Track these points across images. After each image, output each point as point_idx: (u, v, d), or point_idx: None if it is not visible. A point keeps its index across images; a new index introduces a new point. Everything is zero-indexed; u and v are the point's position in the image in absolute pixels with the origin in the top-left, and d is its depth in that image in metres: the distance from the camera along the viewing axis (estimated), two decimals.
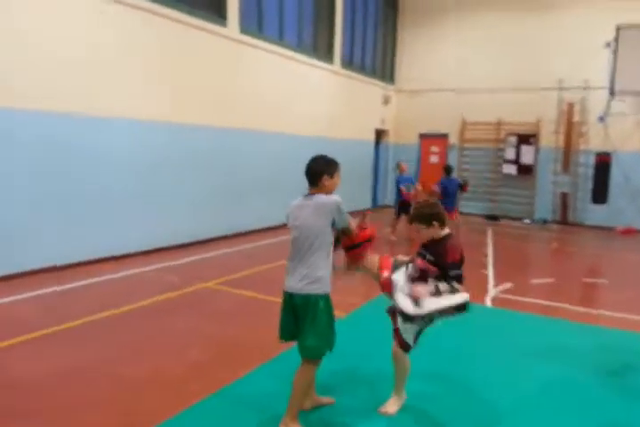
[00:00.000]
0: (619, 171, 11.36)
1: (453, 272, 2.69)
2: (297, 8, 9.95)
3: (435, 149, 13.90)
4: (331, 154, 10.17)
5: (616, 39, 10.27)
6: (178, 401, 2.98)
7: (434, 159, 13.97)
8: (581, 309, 5.34)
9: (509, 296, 5.76)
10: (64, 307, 4.71)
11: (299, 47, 9.99)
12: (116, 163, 6.47)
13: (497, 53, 12.55)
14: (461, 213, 9.28)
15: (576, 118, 11.98)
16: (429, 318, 2.65)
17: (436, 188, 8.93)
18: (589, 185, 11.54)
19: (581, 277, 7.10)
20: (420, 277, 2.71)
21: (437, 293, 2.62)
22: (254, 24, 8.80)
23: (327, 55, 11.07)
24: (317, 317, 2.56)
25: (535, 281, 6.57)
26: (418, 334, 2.87)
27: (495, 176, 12.99)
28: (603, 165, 11.11)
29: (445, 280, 2.68)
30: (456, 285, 2.66)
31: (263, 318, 4.17)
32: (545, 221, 12.27)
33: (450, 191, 8.77)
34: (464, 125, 13.17)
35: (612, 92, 10.50)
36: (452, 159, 13.18)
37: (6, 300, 4.79)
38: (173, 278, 5.78)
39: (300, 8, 10.03)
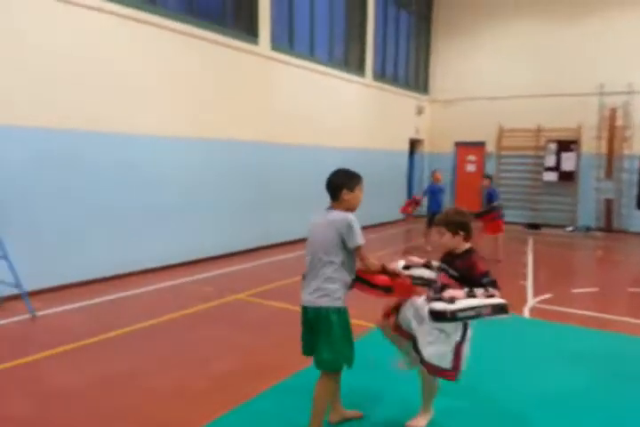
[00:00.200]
0: None
1: (486, 280, 2.61)
2: (328, 24, 10.12)
3: (471, 157, 13.73)
4: (365, 165, 10.29)
5: None
6: (201, 415, 3.03)
7: (471, 168, 13.78)
8: (625, 319, 5.14)
9: (548, 306, 5.61)
10: (107, 317, 4.90)
11: (330, 62, 10.14)
12: (157, 180, 6.73)
13: (533, 60, 12.36)
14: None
15: (619, 123, 11.62)
16: (464, 317, 2.48)
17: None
18: (634, 191, 11.13)
19: (627, 286, 6.83)
20: (442, 290, 2.66)
21: (472, 295, 2.54)
22: (285, 41, 8.99)
23: (359, 69, 11.17)
24: (330, 329, 2.55)
25: (577, 291, 6.37)
26: (457, 356, 2.62)
27: (535, 184, 12.69)
28: None
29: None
30: (491, 290, 2.57)
31: (292, 330, 4.18)
32: (588, 229, 11.88)
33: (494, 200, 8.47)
34: (501, 133, 12.97)
35: None
36: (490, 167, 12.98)
37: (53, 311, 5.01)
38: (208, 290, 5.91)
39: (331, 24, 10.19)
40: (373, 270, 2.66)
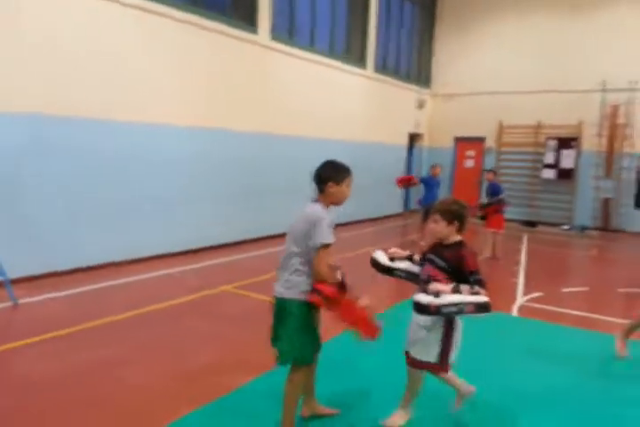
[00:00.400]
0: None
1: (474, 277, 2.59)
2: (330, 14, 10.00)
3: (470, 153, 13.65)
4: (363, 158, 10.31)
5: None
6: (174, 407, 3.01)
7: (469, 163, 13.71)
8: (611, 319, 5.11)
9: (537, 305, 5.58)
10: (91, 306, 4.87)
11: (330, 53, 10.03)
12: (151, 170, 6.68)
13: (536, 56, 12.22)
14: None
15: (620, 120, 11.50)
16: (447, 313, 2.50)
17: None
18: (633, 190, 11.04)
19: (618, 286, 6.78)
20: (427, 282, 2.65)
21: (457, 291, 2.53)
22: (285, 31, 8.89)
23: (360, 60, 11.06)
24: (289, 321, 2.53)
25: (567, 290, 6.33)
26: (445, 351, 2.69)
27: (533, 181, 12.62)
28: None
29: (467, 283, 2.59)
30: (477, 288, 2.56)
31: None
32: (584, 228, 11.81)
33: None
34: (501, 129, 12.87)
35: None
36: (489, 163, 12.88)
37: (36, 299, 4.99)
38: (196, 281, 5.88)
39: (332, 14, 10.07)
40: (319, 279, 2.48)
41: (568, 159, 12.05)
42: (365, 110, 11.25)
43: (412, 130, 13.38)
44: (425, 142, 14.08)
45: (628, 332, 4.13)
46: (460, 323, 2.74)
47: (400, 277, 2.97)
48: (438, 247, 2.78)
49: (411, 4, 12.86)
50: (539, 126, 12.36)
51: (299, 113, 9.17)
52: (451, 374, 2.84)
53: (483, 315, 2.54)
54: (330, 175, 2.62)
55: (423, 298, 2.52)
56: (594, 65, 11.52)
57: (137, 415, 2.94)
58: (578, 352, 4.19)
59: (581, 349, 4.29)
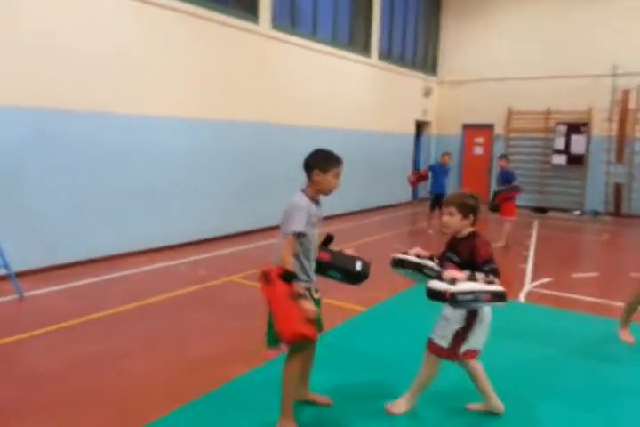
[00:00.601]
0: None
1: (488, 267, 2.54)
2: (332, 2, 9.87)
3: (479, 140, 13.48)
4: (369, 147, 10.24)
5: None
6: (175, 399, 3.00)
7: (478, 151, 13.56)
8: (620, 304, 5.02)
9: (545, 291, 5.51)
10: (94, 298, 4.90)
11: (334, 41, 9.92)
12: (152, 162, 6.67)
13: (545, 40, 12.00)
14: None
15: (631, 105, 11.28)
16: (462, 301, 2.44)
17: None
18: None
19: (629, 271, 6.67)
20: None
21: (473, 279, 2.49)
22: (287, 20, 8.80)
23: (364, 48, 10.93)
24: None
25: (577, 275, 6.25)
26: (458, 337, 2.66)
27: (543, 167, 12.45)
28: None
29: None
30: (492, 277, 2.52)
31: None
32: (597, 213, 11.65)
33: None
34: (510, 115, 12.69)
35: None
36: (498, 150, 12.72)
37: (41, 291, 5.03)
38: (200, 272, 5.89)
39: (335, 2, 9.95)
40: (286, 267, 2.46)
41: (578, 144, 11.86)
42: (371, 99, 11.14)
43: (420, 118, 13.24)
44: (433, 130, 13.94)
45: (627, 315, 4.05)
46: (488, 315, 2.69)
47: (428, 275, 2.71)
48: (452, 243, 2.75)
49: None
50: (548, 112, 12.17)
51: (302, 103, 9.10)
52: (477, 369, 2.77)
53: (499, 304, 2.50)
54: (316, 163, 2.60)
55: (438, 285, 2.47)
56: (604, 49, 11.28)
57: (139, 406, 2.94)
58: (576, 336, 4.15)
59: (583, 333, 4.24)
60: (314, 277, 2.68)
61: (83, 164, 5.90)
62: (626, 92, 11.25)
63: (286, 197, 2.68)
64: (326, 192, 2.65)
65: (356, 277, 2.74)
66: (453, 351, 2.70)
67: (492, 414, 2.88)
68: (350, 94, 10.47)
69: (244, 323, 4.29)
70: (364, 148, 10.98)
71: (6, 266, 4.76)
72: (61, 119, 5.64)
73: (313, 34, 9.41)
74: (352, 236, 7.99)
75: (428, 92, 13.28)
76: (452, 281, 2.44)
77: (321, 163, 2.59)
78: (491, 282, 2.49)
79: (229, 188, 7.89)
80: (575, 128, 11.84)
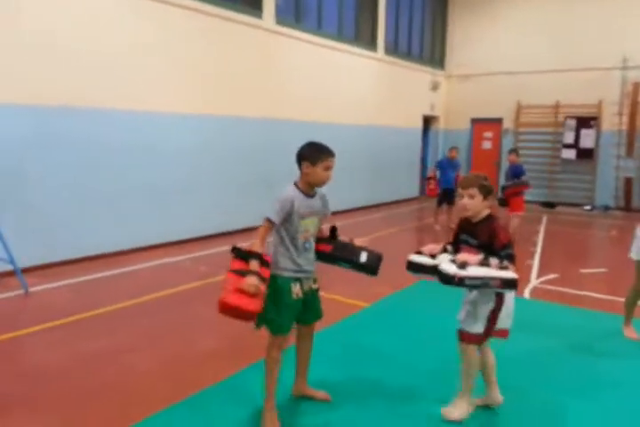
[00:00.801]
0: None
1: (505, 252, 2.51)
2: None
3: (488, 134, 13.38)
4: (376, 142, 10.12)
5: None
6: (182, 391, 3.03)
7: (487, 145, 13.45)
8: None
9: (551, 287, 5.47)
10: (99, 294, 4.94)
11: (339, 36, 9.87)
12: (156, 159, 6.69)
13: (554, 33, 11.86)
14: None
15: None
16: (470, 285, 2.42)
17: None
18: None
19: None
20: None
21: (486, 264, 2.46)
22: (291, 15, 8.76)
23: (370, 43, 10.86)
24: (268, 291, 2.55)
25: (584, 271, 6.19)
26: (492, 320, 2.64)
27: (553, 161, 12.33)
28: None
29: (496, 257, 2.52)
30: (506, 262, 2.48)
31: None
32: (607, 208, 11.53)
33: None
34: (519, 109, 12.57)
35: None
36: (507, 145, 12.61)
37: (46, 287, 5.08)
38: (204, 268, 5.90)
39: None
40: (250, 248, 2.56)
41: (588, 139, 11.72)
42: (377, 94, 11.08)
43: (427, 112, 13.16)
44: (441, 125, 13.85)
45: (628, 311, 4.01)
46: (508, 298, 2.68)
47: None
48: (467, 226, 2.72)
49: None
50: (557, 106, 12.03)
51: (306, 98, 9.06)
52: (490, 359, 2.77)
53: (508, 291, 2.48)
54: (306, 156, 2.61)
55: (448, 268, 2.46)
56: (614, 42, 11.12)
57: (142, 400, 2.97)
58: (576, 331, 4.12)
59: (585, 328, 4.20)
60: (308, 266, 2.69)
61: (85, 161, 5.92)
62: (636, 85, 11.10)
63: None
64: (317, 184, 2.67)
65: (363, 268, 2.75)
66: (486, 336, 2.67)
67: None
68: (356, 89, 10.42)
69: None
70: (371, 143, 10.94)
71: (12, 262, 4.81)
72: (63, 117, 5.66)
73: (318, 28, 9.37)
74: (358, 232, 7.96)
75: (435, 87, 13.18)
76: (463, 265, 2.43)
77: (310, 155, 2.61)
78: (504, 268, 2.46)
79: (233, 184, 7.88)
80: (585, 122, 11.70)
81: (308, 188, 2.67)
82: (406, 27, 12.18)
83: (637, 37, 10.91)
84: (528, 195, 11.54)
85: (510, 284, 2.45)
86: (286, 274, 2.64)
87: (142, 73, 6.42)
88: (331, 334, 3.86)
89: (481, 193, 2.63)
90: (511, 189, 7.82)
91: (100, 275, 5.53)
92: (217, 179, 7.60)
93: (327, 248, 2.76)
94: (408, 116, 12.40)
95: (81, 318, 4.25)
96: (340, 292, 4.89)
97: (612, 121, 11.45)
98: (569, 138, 11.93)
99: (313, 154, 2.61)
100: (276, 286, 2.61)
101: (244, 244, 2.80)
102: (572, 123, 11.85)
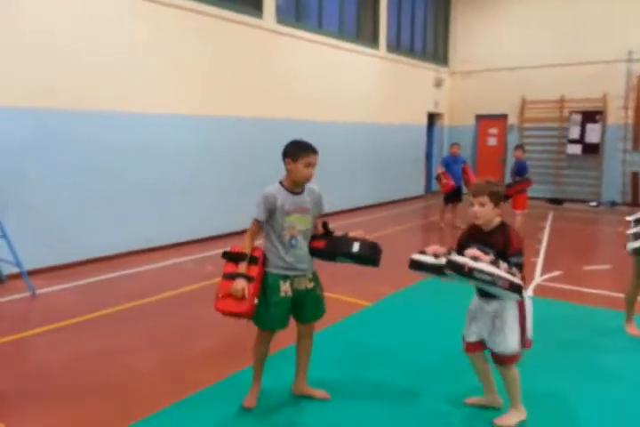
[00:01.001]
0: None
1: (514, 259, 2.49)
2: None
3: (493, 130, 13.32)
4: (380, 140, 10.03)
5: None
6: (181, 391, 3.06)
7: (492, 142, 13.40)
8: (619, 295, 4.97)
9: (554, 284, 5.46)
10: (103, 295, 5.00)
11: (340, 34, 9.86)
12: (160, 159, 6.74)
13: (557, 27, 11.77)
14: None
15: None
16: (478, 278, 2.39)
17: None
18: None
19: None
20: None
21: (495, 265, 2.43)
22: (292, 14, 8.77)
23: (372, 40, 10.85)
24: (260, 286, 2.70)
25: (588, 268, 6.17)
26: (523, 333, 2.60)
27: (558, 157, 12.26)
28: None
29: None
30: (514, 270, 2.47)
31: None
32: (613, 204, 11.45)
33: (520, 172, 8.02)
34: (524, 105, 12.50)
35: None
36: (512, 140, 12.55)
37: (53, 289, 5.15)
38: (209, 269, 5.93)
39: None
40: (240, 249, 2.70)
41: (593, 133, 11.64)
42: (380, 91, 11.06)
43: (431, 109, 13.13)
44: (445, 122, 13.81)
45: (629, 308, 4.00)
46: (529, 302, 2.64)
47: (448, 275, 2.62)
48: (478, 235, 2.64)
49: None
50: (562, 100, 11.96)
51: (308, 97, 9.07)
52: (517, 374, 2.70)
53: (512, 295, 2.46)
54: (288, 153, 2.69)
55: (458, 258, 2.45)
56: (618, 35, 11.03)
57: (142, 399, 3.02)
58: (576, 327, 4.13)
59: (584, 324, 4.21)
60: (299, 264, 2.72)
61: (86, 163, 5.97)
62: None
63: None
64: (300, 181, 2.72)
65: (360, 260, 2.76)
66: (524, 345, 2.63)
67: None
68: (359, 87, 10.41)
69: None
70: (375, 141, 10.93)
71: (18, 264, 4.88)
72: (64, 119, 5.72)
73: (319, 27, 9.37)
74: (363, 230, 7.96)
75: (439, 84, 13.14)
76: (474, 258, 2.42)
77: (292, 152, 2.68)
78: (512, 274, 2.45)
79: (234, 185, 7.87)
80: (590, 117, 11.62)
81: (293, 185, 2.72)
82: (408, 23, 12.15)
83: None
84: (534, 191, 11.51)
85: (517, 289, 2.43)
86: (275, 271, 2.70)
87: (142, 74, 6.46)
88: (332, 333, 3.89)
89: (492, 201, 2.57)
90: (514, 188, 7.80)
91: (104, 277, 5.59)
92: (218, 180, 7.61)
93: (321, 244, 2.78)
94: (412, 114, 12.38)
95: (85, 319, 4.31)
96: (341, 291, 4.91)
97: (618, 115, 11.37)
98: (574, 133, 11.86)
99: (294, 151, 2.67)
100: (265, 283, 2.69)
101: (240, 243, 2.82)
102: (578, 117, 11.77)
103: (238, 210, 7.91)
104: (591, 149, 11.74)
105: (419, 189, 12.97)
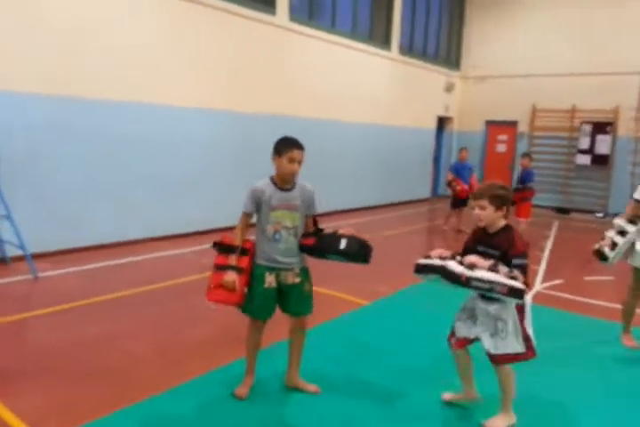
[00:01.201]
0: None
1: (516, 261, 2.48)
2: None
3: (502, 137, 13.29)
4: (388, 142, 10.07)
5: None
6: (176, 377, 3.10)
7: (501, 148, 13.36)
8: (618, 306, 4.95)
9: (554, 293, 5.45)
10: (105, 281, 5.05)
11: (353, 34, 9.87)
12: (169, 151, 6.80)
13: (571, 36, 11.72)
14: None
15: None
16: (474, 287, 2.40)
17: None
18: None
19: None
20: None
21: (494, 270, 2.43)
22: (305, 12, 8.79)
23: (384, 42, 10.85)
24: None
25: (589, 278, 6.16)
26: (526, 333, 2.60)
27: (567, 167, 12.21)
28: None
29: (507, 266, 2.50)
30: (516, 272, 2.45)
31: None
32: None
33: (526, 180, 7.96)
34: (535, 112, 12.47)
35: None
36: (522, 148, 12.52)
37: (56, 272, 5.21)
38: (208, 260, 5.95)
39: None
40: (231, 240, 2.80)
41: (603, 145, 11.60)
42: (390, 93, 11.06)
43: (441, 113, 13.12)
44: (455, 126, 13.79)
45: (626, 319, 3.98)
46: (529, 306, 2.63)
47: (452, 280, 2.57)
48: (484, 237, 2.66)
49: None
50: (573, 110, 11.91)
51: (318, 96, 9.08)
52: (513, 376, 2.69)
53: (513, 300, 2.44)
54: (275, 148, 2.76)
55: (455, 267, 2.45)
56: (633, 46, 10.97)
57: (137, 383, 3.05)
58: (571, 336, 4.13)
59: (580, 334, 4.21)
60: (284, 258, 2.77)
61: (98, 152, 6.04)
62: None
63: None
64: (285, 176, 2.76)
65: (348, 257, 2.76)
66: (529, 351, 2.61)
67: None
68: (369, 89, 10.42)
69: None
70: (383, 143, 10.94)
71: (22, 247, 4.93)
72: (77, 107, 5.77)
73: (332, 26, 9.38)
74: (366, 231, 7.99)
75: (450, 88, 13.13)
76: (471, 266, 2.42)
77: (278, 148, 2.75)
78: (513, 277, 2.42)
79: (244, 179, 7.76)
80: (600, 128, 11.58)
81: (281, 180, 2.77)
82: (422, 26, 12.13)
83: None
84: (541, 200, 11.53)
85: (517, 293, 2.40)
86: (261, 262, 2.78)
87: (158, 68, 6.52)
88: (327, 329, 3.91)
89: (492, 204, 2.58)
90: (515, 195, 7.76)
91: (107, 263, 5.65)
92: (227, 173, 7.66)
93: (310, 242, 2.81)
94: (421, 117, 12.37)
95: (86, 303, 4.36)
96: (339, 288, 4.93)
97: (629, 127, 11.31)
98: (584, 143, 11.81)
99: (279, 146, 2.73)
100: (253, 274, 2.77)
101: (253, 237, 2.89)
102: (588, 128, 11.73)
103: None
104: (600, 161, 11.69)
105: (425, 191, 12.96)
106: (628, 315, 3.98)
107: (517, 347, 2.59)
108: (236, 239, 2.77)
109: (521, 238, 2.59)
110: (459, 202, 8.67)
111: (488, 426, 2.71)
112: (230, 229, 8.14)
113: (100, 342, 3.62)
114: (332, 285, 4.94)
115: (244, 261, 2.73)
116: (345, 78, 9.68)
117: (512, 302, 2.53)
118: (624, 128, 11.38)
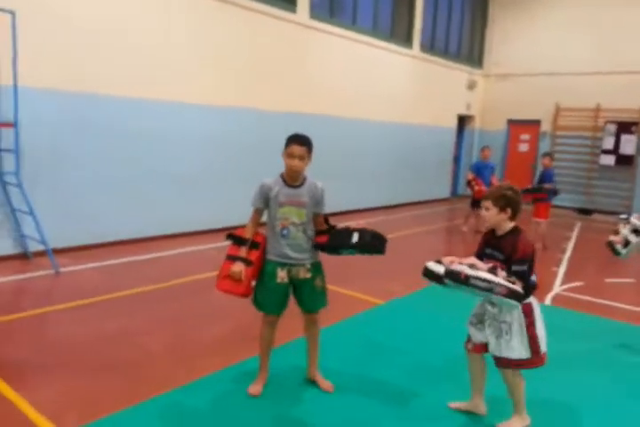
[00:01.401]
0: None
1: (515, 267, 2.46)
2: None
3: (525, 136, 13.10)
4: (408, 140, 9.99)
5: None
6: (190, 373, 3.14)
7: (523, 148, 13.17)
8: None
9: (573, 295, 5.36)
10: (124, 277, 5.12)
11: (374, 32, 9.83)
12: (185, 148, 6.86)
13: (596, 34, 11.50)
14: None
15: None
16: (473, 285, 2.36)
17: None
18: None
19: None
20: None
21: (493, 273, 2.42)
22: (326, 9, 8.77)
23: (406, 40, 10.78)
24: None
25: (610, 280, 6.05)
26: (533, 338, 2.55)
27: (590, 167, 12.00)
28: None
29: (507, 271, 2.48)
30: (514, 278, 2.43)
31: None
32: None
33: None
34: (558, 112, 12.26)
35: None
36: (544, 147, 12.34)
37: (77, 268, 5.31)
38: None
39: None
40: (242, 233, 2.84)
41: (628, 145, 11.36)
42: (411, 91, 10.99)
43: (463, 112, 12.99)
44: (476, 125, 13.65)
45: None
46: (538, 311, 2.59)
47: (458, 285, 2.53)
48: (492, 239, 2.65)
49: None
50: (598, 109, 11.69)
51: (339, 94, 9.06)
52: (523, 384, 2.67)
53: (510, 302, 2.42)
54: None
55: (456, 266, 2.45)
56: None
57: (152, 379, 3.10)
58: (586, 338, 4.06)
59: (597, 336, 4.15)
60: (294, 254, 2.79)
61: (119, 149, 6.12)
62: None
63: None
64: (287, 171, 2.79)
65: (362, 249, 2.78)
66: (537, 358, 2.57)
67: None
68: (390, 86, 10.37)
69: None
70: (403, 141, 10.88)
71: (44, 242, 5.03)
72: (96, 104, 5.85)
73: (353, 23, 9.35)
74: (381, 230, 7.96)
75: (472, 86, 12.99)
76: (471, 266, 2.42)
77: (285, 144, 2.79)
78: (511, 283, 2.41)
79: (261, 176, 7.90)
80: (625, 127, 11.33)
81: (289, 177, 2.79)
82: (444, 24, 12.01)
83: None
84: (563, 200, 11.31)
85: (516, 295, 2.39)
86: (272, 258, 2.81)
87: (176, 64, 6.57)
88: (342, 328, 3.92)
89: (495, 206, 2.57)
90: (530, 195, 7.61)
91: (126, 259, 5.73)
92: (245, 170, 7.66)
93: (323, 239, 2.83)
94: (442, 115, 12.27)
95: (104, 298, 4.43)
96: (354, 288, 4.93)
97: None
98: (608, 143, 11.58)
99: (286, 143, 2.77)
100: (264, 269, 2.82)
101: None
102: (613, 128, 11.49)
103: None
104: (625, 161, 11.46)
105: (445, 191, 12.86)
106: None
107: (522, 352, 2.55)
108: (246, 233, 2.82)
109: (525, 243, 2.54)
110: (477, 202, 8.55)
111: None
112: (245, 226, 8.24)
113: (118, 337, 3.68)
114: (349, 284, 4.94)
115: (254, 255, 2.78)
116: (366, 76, 9.64)
117: (510, 307, 2.49)
118: None
